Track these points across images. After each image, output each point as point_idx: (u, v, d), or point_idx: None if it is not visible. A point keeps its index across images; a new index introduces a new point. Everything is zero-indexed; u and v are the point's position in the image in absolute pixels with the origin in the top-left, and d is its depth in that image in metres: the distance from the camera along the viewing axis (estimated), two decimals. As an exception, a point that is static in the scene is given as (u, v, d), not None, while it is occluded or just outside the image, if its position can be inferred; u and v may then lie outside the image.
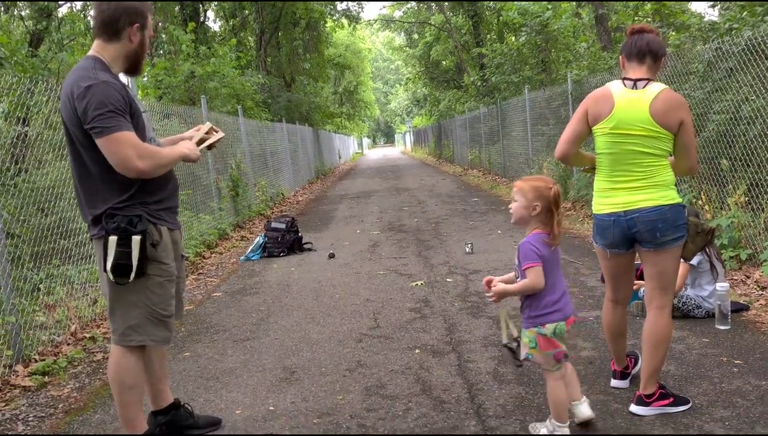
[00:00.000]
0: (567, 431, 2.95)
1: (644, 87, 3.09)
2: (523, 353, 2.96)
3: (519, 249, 2.91)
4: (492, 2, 23.18)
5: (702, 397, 3.33)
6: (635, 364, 3.61)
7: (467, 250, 7.56)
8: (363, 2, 30.10)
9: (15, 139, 6.19)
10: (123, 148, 2.68)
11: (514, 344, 2.99)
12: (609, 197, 3.20)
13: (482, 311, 5.17)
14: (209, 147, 3.20)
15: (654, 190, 3.09)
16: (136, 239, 2.74)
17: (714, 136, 6.31)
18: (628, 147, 3.10)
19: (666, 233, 3.08)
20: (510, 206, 2.98)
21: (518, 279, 2.95)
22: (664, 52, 3.19)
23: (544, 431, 3.03)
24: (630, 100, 3.09)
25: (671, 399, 3.20)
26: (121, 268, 2.75)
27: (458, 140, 25.92)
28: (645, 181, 3.10)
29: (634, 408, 3.21)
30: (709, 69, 6.51)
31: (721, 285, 4.40)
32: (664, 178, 3.11)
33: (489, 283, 2.97)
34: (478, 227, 9.54)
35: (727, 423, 3.03)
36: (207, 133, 3.21)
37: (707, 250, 4.56)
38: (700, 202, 6.46)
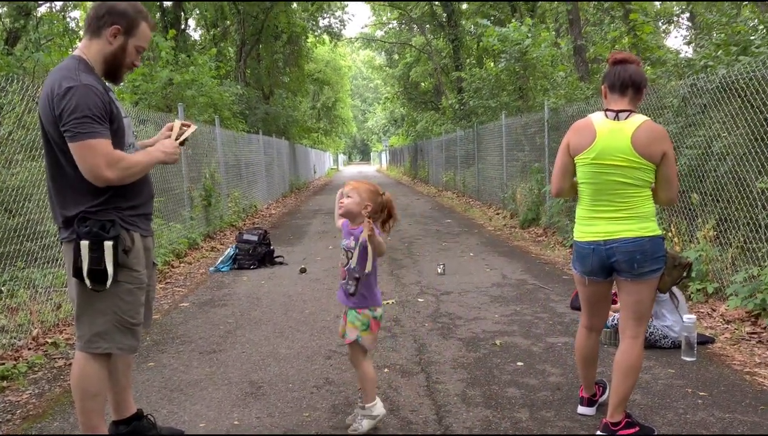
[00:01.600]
0: (380, 406, 3.34)
1: (626, 118, 3.13)
2: (353, 336, 3.25)
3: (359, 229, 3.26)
4: (473, 27, 23.46)
5: (667, 427, 3.36)
6: (603, 392, 3.64)
7: (439, 270, 7.57)
8: (345, 18, 30.26)
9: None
10: (93, 156, 2.63)
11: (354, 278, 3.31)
12: (590, 226, 3.24)
13: (452, 333, 5.17)
14: (182, 142, 3.10)
15: (634, 221, 3.12)
16: (108, 244, 2.69)
17: (686, 170, 6.43)
18: (609, 177, 3.13)
19: (644, 264, 3.11)
20: (341, 202, 3.32)
21: (353, 258, 3.28)
22: (645, 84, 3.22)
23: (366, 421, 3.29)
24: (612, 131, 3.12)
25: (637, 429, 3.21)
26: (95, 274, 2.69)
27: (434, 161, 26.08)
28: (626, 212, 3.13)
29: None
30: (683, 104, 6.65)
31: (688, 317, 4.46)
32: (644, 209, 3.14)
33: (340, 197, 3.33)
34: (450, 248, 9.56)
35: (690, 454, 3.06)
36: (180, 129, 3.11)
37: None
38: (669, 234, 6.55)
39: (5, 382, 4.21)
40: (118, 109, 2.84)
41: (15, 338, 4.86)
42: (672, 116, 6.81)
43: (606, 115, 3.18)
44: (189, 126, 3.15)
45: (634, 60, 3.22)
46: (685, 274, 3.20)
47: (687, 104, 6.62)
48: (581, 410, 3.57)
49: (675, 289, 4.64)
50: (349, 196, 3.29)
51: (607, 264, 3.19)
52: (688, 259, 3.24)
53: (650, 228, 3.13)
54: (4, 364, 4.40)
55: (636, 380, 3.22)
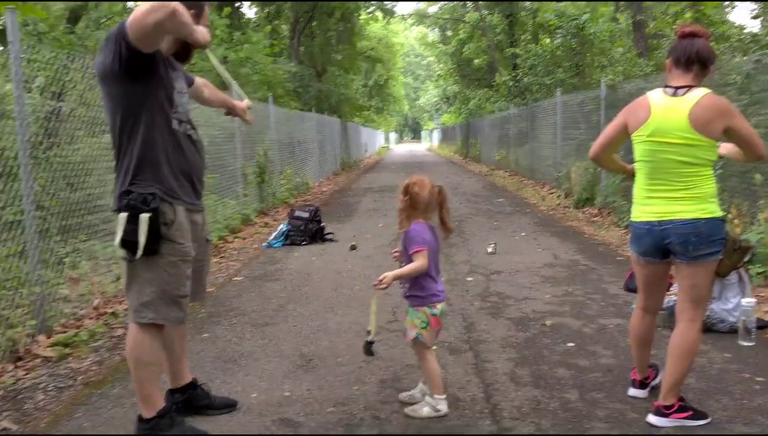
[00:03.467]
0: (445, 403, 3.26)
1: (684, 94, 3.02)
2: (412, 333, 3.21)
3: (406, 235, 3.20)
4: (528, 3, 23.00)
5: (722, 412, 3.28)
6: (655, 376, 3.56)
7: (490, 250, 7.52)
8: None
9: (49, 114, 6.29)
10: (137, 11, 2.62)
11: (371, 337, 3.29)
12: (645, 205, 3.17)
13: (502, 312, 5.14)
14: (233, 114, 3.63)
15: (691, 202, 3.02)
16: (143, 216, 2.75)
17: (749, 149, 6.20)
18: (665, 155, 3.05)
19: (699, 247, 3.02)
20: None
21: (403, 264, 3.25)
22: (713, 60, 3.10)
23: (427, 409, 3.23)
24: (667, 108, 3.04)
25: (690, 413, 3.15)
26: (128, 244, 2.78)
27: (486, 140, 25.79)
28: (682, 192, 3.04)
29: (651, 418, 3.17)
30: (747, 81, 6.40)
31: (747, 300, 4.33)
32: (703, 189, 3.03)
33: (381, 280, 3.15)
34: (501, 228, 9.49)
35: (746, 440, 2.99)
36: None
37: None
38: (730, 215, 6.35)
39: (68, 349, 4.39)
40: (174, 78, 2.94)
41: (77, 307, 5.05)
42: (735, 94, 6.56)
43: (665, 92, 3.09)
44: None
45: (703, 34, 3.10)
46: (746, 258, 3.08)
47: (751, 81, 6.37)
48: (632, 392, 3.51)
49: (743, 273, 4.50)
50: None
51: (662, 245, 3.11)
52: (748, 242, 3.11)
53: (708, 209, 3.02)
54: (66, 332, 4.59)
55: (691, 365, 3.16)
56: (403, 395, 3.47)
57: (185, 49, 3.03)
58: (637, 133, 3.15)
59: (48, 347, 4.34)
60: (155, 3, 2.58)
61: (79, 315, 4.98)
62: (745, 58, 6.71)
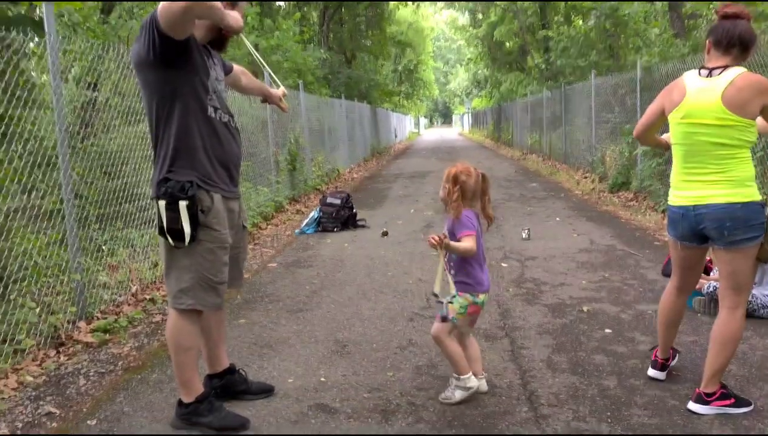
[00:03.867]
0: (474, 380, 3.25)
1: (719, 74, 2.95)
2: (450, 315, 3.20)
3: (457, 221, 3.18)
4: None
5: (765, 400, 3.21)
6: (674, 357, 3.55)
7: (524, 235, 7.46)
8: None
9: (85, 104, 6.38)
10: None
11: (447, 297, 3.22)
12: (681, 190, 3.12)
13: (537, 298, 5.09)
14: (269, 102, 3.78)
15: (726, 185, 2.95)
16: (182, 204, 2.78)
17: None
18: (700, 138, 2.99)
19: (735, 232, 2.94)
20: None
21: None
22: (754, 42, 3.01)
23: (459, 392, 3.22)
24: (701, 90, 2.98)
25: (732, 400, 3.09)
26: (173, 232, 2.81)
27: (518, 124, 25.50)
28: (718, 175, 2.97)
29: (692, 406, 3.12)
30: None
31: (792, 286, 4.22)
32: (740, 173, 2.95)
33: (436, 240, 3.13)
34: (535, 213, 9.39)
35: (792, 429, 2.92)
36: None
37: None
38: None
39: (108, 335, 4.47)
40: (211, 66, 2.96)
41: (116, 294, 5.14)
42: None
43: (699, 73, 3.03)
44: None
45: (745, 15, 3.01)
46: None
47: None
48: (652, 373, 3.49)
49: None
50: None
51: (698, 230, 3.06)
52: None
53: (744, 193, 2.94)
54: (106, 318, 4.67)
55: (733, 352, 3.10)
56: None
57: (221, 37, 3.04)
58: (672, 116, 3.11)
59: (88, 333, 4.43)
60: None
61: (118, 302, 5.07)
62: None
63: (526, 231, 7.52)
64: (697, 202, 3.02)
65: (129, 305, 5.09)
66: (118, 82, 5.98)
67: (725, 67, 2.97)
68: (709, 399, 3.09)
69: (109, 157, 5.77)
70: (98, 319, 4.66)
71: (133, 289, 5.32)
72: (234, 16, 2.88)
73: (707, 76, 3.00)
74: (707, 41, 3.10)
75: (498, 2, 28.28)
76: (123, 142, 6.04)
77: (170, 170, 2.86)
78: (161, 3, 2.63)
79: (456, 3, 36.15)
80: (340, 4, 23.82)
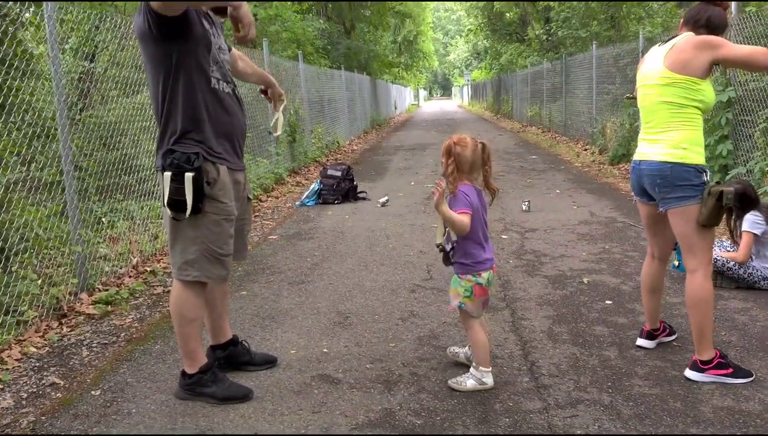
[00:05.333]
0: (491, 378, 3.13)
1: (668, 40, 3.17)
2: (455, 302, 3.10)
3: (452, 198, 3.03)
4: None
5: (765, 370, 3.23)
6: (668, 334, 3.61)
7: (524, 207, 7.45)
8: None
9: (82, 75, 6.32)
10: None
11: (449, 246, 3.12)
12: (638, 147, 3.33)
13: (538, 270, 5.11)
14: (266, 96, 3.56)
15: (665, 145, 3.11)
16: (188, 175, 2.76)
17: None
18: (650, 98, 3.21)
19: (664, 190, 3.11)
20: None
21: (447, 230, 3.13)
22: (723, 28, 3.16)
23: (471, 382, 3.11)
24: (654, 56, 3.21)
25: (730, 370, 3.12)
26: (176, 203, 2.79)
27: (518, 96, 25.35)
28: (661, 135, 3.15)
29: (688, 373, 3.17)
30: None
31: (792, 258, 4.23)
32: (680, 134, 3.08)
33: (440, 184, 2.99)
34: (535, 185, 9.38)
35: (791, 399, 2.94)
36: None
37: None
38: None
39: (110, 307, 4.48)
40: (214, 34, 2.93)
41: (116, 266, 5.14)
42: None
43: (659, 45, 3.24)
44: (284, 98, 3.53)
45: (720, 2, 3.17)
46: (724, 204, 2.99)
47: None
48: (640, 341, 3.57)
49: None
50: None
51: (641, 185, 3.27)
52: (720, 187, 3.02)
53: (677, 155, 3.07)
54: (108, 290, 4.68)
55: (706, 316, 3.12)
56: (450, 351, 3.45)
57: (222, 9, 2.98)
58: (637, 82, 3.34)
59: (90, 304, 4.44)
60: None
61: (118, 274, 5.08)
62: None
63: (526, 203, 7.52)
64: (642, 158, 3.23)
65: (130, 276, 5.10)
66: (115, 52, 5.92)
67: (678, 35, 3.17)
68: (704, 367, 3.13)
69: (108, 129, 5.74)
70: (99, 291, 4.67)
71: (134, 261, 5.32)
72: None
73: (661, 45, 3.20)
74: (681, 21, 3.29)
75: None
76: (121, 113, 5.99)
77: (177, 142, 2.83)
78: None
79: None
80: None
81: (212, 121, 2.89)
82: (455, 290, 3.11)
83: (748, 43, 6.61)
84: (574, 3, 16.66)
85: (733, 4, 7.19)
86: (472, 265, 3.07)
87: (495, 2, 28.27)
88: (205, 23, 2.89)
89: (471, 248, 3.06)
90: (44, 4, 4.36)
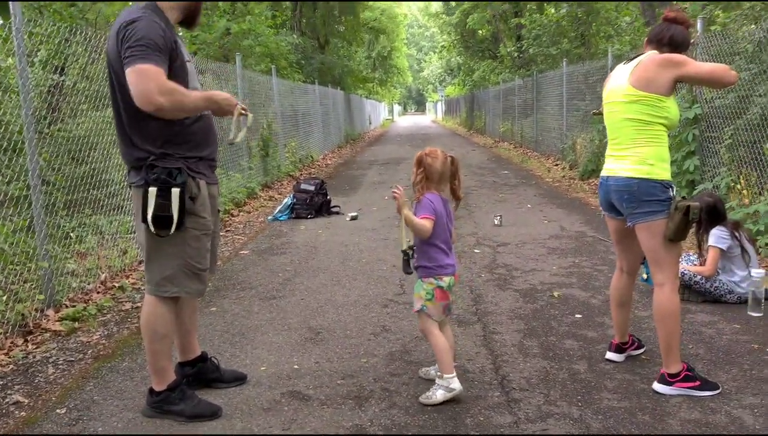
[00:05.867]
0: (458, 382, 3.13)
1: (633, 59, 3.23)
2: (418, 305, 3.16)
3: (417, 204, 3.15)
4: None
5: (731, 383, 3.28)
6: (636, 348, 3.66)
7: (496, 222, 7.51)
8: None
9: (51, 88, 6.24)
10: (145, 80, 2.65)
11: (410, 252, 3.19)
12: (605, 163, 3.38)
13: (509, 284, 5.14)
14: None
15: (631, 161, 3.17)
16: (175, 191, 2.74)
17: (757, 119, 6.13)
18: (615, 116, 3.27)
19: (631, 206, 3.17)
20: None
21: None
22: (686, 46, 3.25)
23: (440, 392, 3.12)
24: (619, 74, 3.26)
25: (698, 383, 3.16)
26: (161, 220, 2.75)
27: (491, 112, 25.59)
28: (627, 151, 3.21)
29: (656, 386, 3.21)
30: (758, 50, 6.29)
31: (756, 272, 4.31)
32: (646, 151, 3.15)
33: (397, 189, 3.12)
34: (507, 200, 9.45)
35: (756, 410, 2.98)
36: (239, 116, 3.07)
37: (737, 234, 4.50)
38: (738, 186, 6.30)
39: (77, 323, 4.40)
40: (182, 51, 2.87)
41: (84, 282, 5.06)
42: (744, 63, 6.46)
43: (624, 63, 3.30)
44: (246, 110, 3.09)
45: (682, 21, 3.27)
46: (691, 218, 3.06)
47: (762, 50, 6.27)
48: (609, 355, 3.60)
49: (747, 245, 4.50)
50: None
51: (609, 200, 3.33)
52: (687, 202, 3.08)
53: (644, 171, 3.13)
54: (75, 306, 4.60)
55: (673, 329, 3.17)
56: (422, 372, 3.46)
57: (191, 15, 2.97)
58: (603, 99, 3.39)
59: (57, 321, 4.36)
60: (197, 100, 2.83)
61: (86, 289, 4.99)
62: (755, 26, 6.58)
63: (498, 218, 7.57)
64: (609, 174, 3.28)
65: (98, 292, 5.02)
66: (85, 65, 5.86)
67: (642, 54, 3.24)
68: (672, 380, 3.17)
69: (77, 143, 5.66)
70: (67, 307, 4.59)
71: (102, 276, 5.25)
72: (225, 97, 2.95)
73: (626, 63, 3.27)
74: (645, 39, 3.37)
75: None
76: (91, 127, 5.92)
77: (158, 157, 2.80)
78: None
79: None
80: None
81: (191, 136, 2.88)
82: (418, 294, 3.18)
83: (715, 61, 6.77)
84: (545, 21, 16.92)
85: (699, 23, 7.37)
86: (434, 268, 3.15)
87: (468, 20, 28.59)
88: (183, 52, 2.87)
89: (433, 253, 3.15)
90: (12, 17, 4.30)
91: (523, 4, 24.46)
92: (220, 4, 12.97)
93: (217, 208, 3.21)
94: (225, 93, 3.04)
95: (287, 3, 23.94)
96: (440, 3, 37.69)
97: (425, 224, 3.08)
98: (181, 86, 2.79)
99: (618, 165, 3.23)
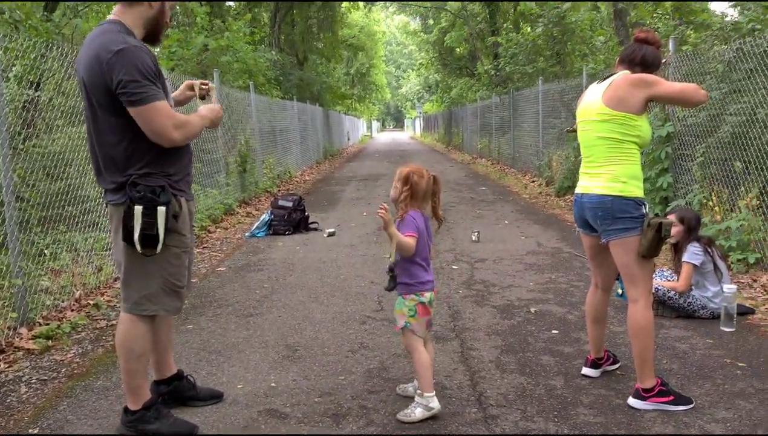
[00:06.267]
0: (437, 402, 3.14)
1: (606, 78, 3.30)
2: (401, 322, 3.17)
3: (401, 221, 3.15)
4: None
5: (704, 397, 3.32)
6: (612, 363, 3.70)
7: (474, 238, 7.55)
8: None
9: (27, 103, 6.18)
10: (160, 118, 2.68)
11: (395, 269, 3.20)
12: (579, 180, 3.43)
13: (486, 300, 5.17)
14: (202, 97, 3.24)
15: (605, 178, 3.22)
16: (161, 209, 2.72)
17: (728, 137, 6.26)
18: (588, 134, 3.33)
19: (606, 222, 3.22)
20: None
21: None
22: (657, 66, 3.33)
23: (419, 410, 3.13)
24: (593, 93, 3.32)
25: (671, 397, 3.20)
26: (147, 238, 2.73)
27: (468, 128, 25.81)
28: (601, 169, 3.26)
29: (631, 401, 3.25)
30: (728, 69, 6.44)
31: (728, 287, 4.38)
32: (620, 169, 3.20)
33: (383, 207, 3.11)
34: (485, 216, 9.52)
35: (728, 424, 3.03)
36: (202, 88, 3.24)
37: (710, 251, 4.58)
38: (710, 203, 6.42)
39: (51, 341, 4.34)
40: (161, 69, 2.86)
41: (59, 299, 4.99)
42: (715, 82, 6.61)
43: (597, 82, 3.37)
44: (207, 84, 3.25)
45: (653, 41, 3.34)
46: (663, 235, 3.12)
47: (732, 69, 6.41)
48: (584, 370, 3.64)
49: (719, 261, 4.57)
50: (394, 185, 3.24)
51: (584, 217, 3.37)
52: (659, 219, 3.15)
53: (618, 188, 3.19)
54: (49, 324, 4.53)
55: (647, 344, 3.21)
56: (399, 388, 3.46)
57: (155, 32, 2.95)
58: (577, 117, 3.45)
59: (30, 339, 4.29)
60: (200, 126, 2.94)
61: (60, 307, 4.93)
62: (725, 47, 6.74)
63: (476, 234, 7.62)
64: (584, 191, 3.33)
65: (72, 310, 4.95)
66: (61, 81, 5.82)
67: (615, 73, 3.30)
68: (646, 395, 3.20)
69: (52, 159, 5.61)
70: (40, 325, 4.52)
71: (77, 294, 5.18)
72: (213, 111, 3.04)
73: (599, 82, 3.33)
74: (617, 59, 3.42)
75: (450, 0, 28.50)
76: (66, 143, 5.87)
77: (140, 176, 2.76)
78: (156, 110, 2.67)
79: (407, 7, 36.33)
80: (291, 5, 23.68)
81: (172, 154, 2.86)
82: (400, 311, 3.18)
83: (687, 80, 6.92)
84: (521, 40, 17.14)
85: (670, 42, 7.53)
86: (415, 285, 3.16)
87: (445, 38, 28.89)
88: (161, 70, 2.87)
89: (414, 269, 3.17)
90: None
91: (500, 24, 24.78)
92: (198, 20, 12.95)
93: (192, 224, 3.20)
94: (208, 106, 3.08)
95: (265, 20, 24.01)
96: (418, 21, 38.06)
97: (410, 241, 3.09)
98: (185, 116, 2.84)
99: (592, 182, 3.28)
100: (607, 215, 3.20)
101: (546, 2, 14.69)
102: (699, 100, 3.19)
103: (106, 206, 2.96)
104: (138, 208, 2.71)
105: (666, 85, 3.18)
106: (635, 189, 3.20)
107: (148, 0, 2.82)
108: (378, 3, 30.01)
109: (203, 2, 13.61)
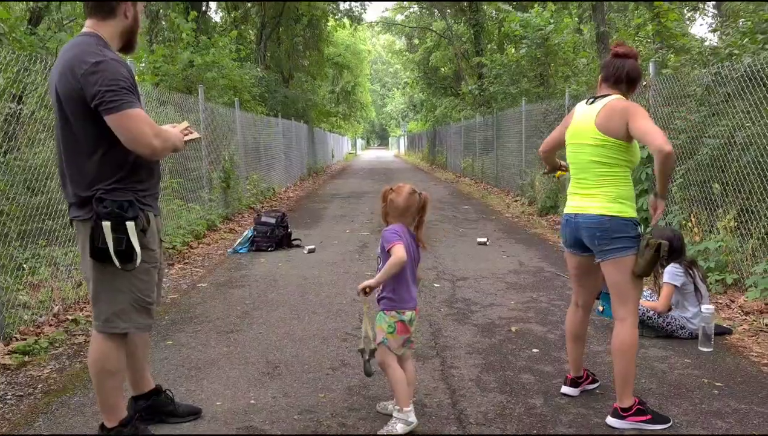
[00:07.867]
0: (413, 413, 3.18)
1: (599, 100, 3.30)
2: (380, 338, 3.18)
3: (382, 236, 3.18)
4: (494, 13, 23.28)
5: (682, 416, 3.35)
6: (591, 382, 3.71)
7: (484, 241, 7.77)
8: (366, 2, 30.23)
9: (8, 117, 6.15)
10: (139, 124, 2.65)
11: (368, 355, 3.18)
12: (570, 200, 3.44)
13: (468, 318, 5.18)
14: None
15: (602, 199, 3.25)
16: (130, 224, 2.70)
17: (707, 159, 6.35)
18: (582, 156, 3.33)
19: (603, 242, 3.23)
20: None
21: (380, 266, 3.17)
22: (639, 78, 3.37)
23: (400, 426, 3.14)
24: (583, 114, 3.33)
25: (649, 417, 3.23)
26: (120, 254, 2.70)
27: (452, 147, 25.97)
28: (596, 190, 3.28)
29: (609, 420, 3.26)
30: (707, 93, 6.55)
31: (707, 307, 4.43)
32: (615, 190, 3.24)
33: (362, 289, 3.11)
34: (468, 234, 9.55)
35: (705, 444, 3.05)
36: (184, 131, 3.08)
37: (691, 272, 4.62)
38: (689, 224, 6.50)
39: (27, 357, 4.29)
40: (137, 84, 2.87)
41: (36, 314, 4.94)
42: (695, 105, 6.72)
43: (586, 101, 3.38)
44: (192, 132, 3.10)
45: (633, 55, 3.37)
46: (661, 255, 3.16)
47: (711, 93, 6.53)
48: (564, 389, 3.65)
49: (699, 283, 4.62)
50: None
51: (577, 237, 3.36)
52: (657, 239, 3.18)
53: (615, 209, 3.22)
54: (26, 339, 4.48)
55: (631, 363, 3.24)
56: (379, 406, 3.45)
57: (131, 42, 2.95)
58: (566, 138, 3.46)
59: (6, 354, 4.24)
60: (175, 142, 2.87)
61: (38, 322, 4.87)
62: (704, 70, 6.86)
63: (485, 239, 7.81)
64: (578, 212, 3.34)
65: (50, 325, 4.90)
66: (44, 94, 5.79)
67: (607, 95, 3.30)
68: (625, 414, 3.23)
69: (34, 172, 5.57)
70: (17, 340, 4.47)
71: (55, 309, 5.12)
72: (179, 138, 2.97)
73: (590, 103, 3.33)
74: (599, 76, 3.43)
75: (439, 7, 28.79)
76: (48, 156, 5.84)
77: (107, 191, 2.73)
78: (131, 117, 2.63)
79: (393, 27, 36.65)
80: (278, 22, 23.79)
81: (139, 169, 2.84)
82: (380, 326, 3.19)
83: (668, 103, 7.04)
84: (506, 60, 17.34)
85: (651, 66, 7.65)
86: (397, 301, 3.19)
87: (430, 57, 29.15)
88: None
89: (399, 286, 3.18)
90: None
91: (485, 44, 25.05)
92: (184, 36, 12.97)
93: (160, 239, 3.17)
94: (172, 130, 2.96)
95: (251, 37, 24.08)
96: (404, 41, 38.37)
97: (397, 252, 3.07)
98: (164, 127, 2.83)
99: (587, 203, 3.29)
100: (605, 235, 3.21)
101: (529, 24, 14.86)
102: (656, 147, 2.98)
103: (72, 225, 2.90)
104: (106, 224, 2.67)
105: (640, 121, 3.08)
106: (631, 210, 3.25)
107: None
108: (362, 20, 30.14)
109: (186, 15, 13.64)
